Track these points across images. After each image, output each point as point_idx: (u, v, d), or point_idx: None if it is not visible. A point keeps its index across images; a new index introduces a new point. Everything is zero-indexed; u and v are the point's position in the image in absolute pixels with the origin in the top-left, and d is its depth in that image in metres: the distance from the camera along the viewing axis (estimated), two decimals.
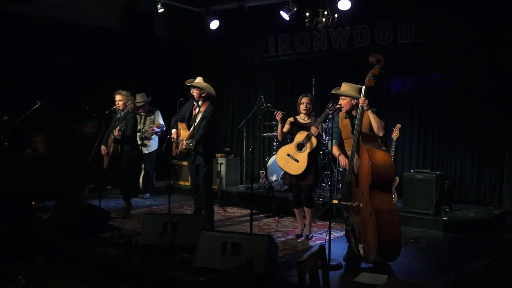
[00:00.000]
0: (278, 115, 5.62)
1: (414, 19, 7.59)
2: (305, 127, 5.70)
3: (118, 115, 6.67)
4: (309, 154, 5.58)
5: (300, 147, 5.64)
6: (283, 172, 6.09)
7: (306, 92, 8.51)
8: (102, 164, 6.76)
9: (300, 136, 5.67)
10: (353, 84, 5.05)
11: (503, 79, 7.02)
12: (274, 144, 8.53)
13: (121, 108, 6.62)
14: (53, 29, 8.08)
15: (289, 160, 5.66)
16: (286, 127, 5.79)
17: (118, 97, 6.62)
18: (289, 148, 5.72)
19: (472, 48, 7.18)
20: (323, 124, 6.34)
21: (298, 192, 5.81)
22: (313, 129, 5.52)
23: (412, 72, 7.94)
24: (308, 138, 5.59)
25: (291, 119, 5.84)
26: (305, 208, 5.77)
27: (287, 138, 5.97)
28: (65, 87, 8.11)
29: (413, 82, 7.96)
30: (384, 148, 4.71)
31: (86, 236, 5.45)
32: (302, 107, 5.75)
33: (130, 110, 6.65)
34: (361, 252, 4.68)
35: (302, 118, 5.82)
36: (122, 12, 9.22)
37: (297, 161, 5.61)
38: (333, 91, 5.15)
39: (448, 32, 7.40)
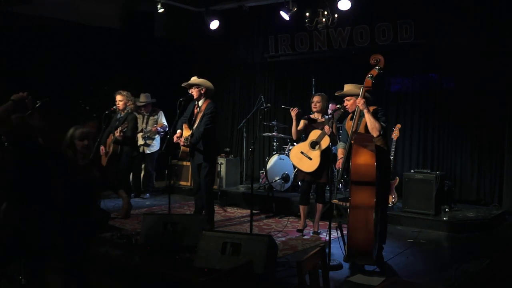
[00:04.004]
0: (294, 111, 5.82)
1: (414, 19, 7.59)
2: (319, 126, 5.84)
3: (118, 115, 6.67)
4: (322, 152, 5.70)
5: (313, 145, 5.80)
6: (296, 169, 6.35)
7: (307, 92, 8.63)
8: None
9: (313, 135, 5.84)
10: (354, 84, 5.08)
11: (503, 79, 7.02)
12: (274, 144, 8.54)
13: (121, 108, 6.62)
14: (53, 29, 8.07)
15: (303, 157, 5.83)
16: (301, 125, 5.94)
17: (118, 97, 6.61)
18: (303, 146, 5.89)
19: (472, 48, 7.18)
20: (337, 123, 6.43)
21: (307, 190, 6.00)
22: (327, 128, 5.63)
23: (412, 72, 7.94)
24: (321, 136, 5.71)
25: (305, 117, 5.98)
26: (317, 204, 5.97)
27: (301, 136, 6.09)
28: (65, 87, 8.10)
29: (413, 82, 7.97)
30: (371, 150, 4.53)
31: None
32: (312, 105, 5.93)
33: (130, 110, 6.65)
34: (345, 249, 4.69)
35: (316, 117, 5.93)
36: (122, 12, 9.22)
37: (310, 158, 5.77)
38: (337, 93, 5.15)
39: (448, 32, 7.39)
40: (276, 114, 9.03)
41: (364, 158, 4.48)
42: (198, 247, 4.52)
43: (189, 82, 6.07)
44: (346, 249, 4.66)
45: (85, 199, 3.76)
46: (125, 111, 6.62)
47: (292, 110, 5.85)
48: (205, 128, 5.86)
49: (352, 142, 4.61)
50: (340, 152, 5.11)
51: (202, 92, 6.02)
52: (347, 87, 5.09)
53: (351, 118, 5.03)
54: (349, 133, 5.04)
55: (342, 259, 4.90)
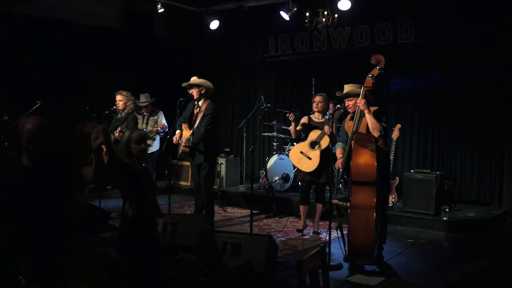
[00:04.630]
0: (291, 117, 5.83)
1: (414, 19, 7.59)
2: (318, 126, 5.85)
3: (119, 116, 6.66)
4: (322, 152, 5.71)
5: (313, 145, 5.81)
6: (296, 169, 6.39)
7: (307, 92, 8.63)
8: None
9: (313, 135, 5.86)
10: (355, 84, 5.06)
11: (503, 79, 7.02)
12: (274, 144, 8.54)
13: (121, 108, 6.61)
14: (53, 29, 8.07)
15: (302, 157, 5.84)
16: (300, 126, 5.94)
17: (118, 97, 6.61)
18: (303, 145, 5.91)
19: (472, 48, 7.17)
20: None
21: (307, 190, 6.01)
22: (326, 128, 5.63)
23: (412, 72, 7.94)
24: (321, 136, 5.71)
25: (305, 117, 6.00)
26: (317, 204, 5.98)
27: (301, 136, 6.09)
28: (65, 87, 8.10)
29: (413, 82, 7.97)
30: (372, 150, 4.53)
31: (86, 236, 5.44)
32: (314, 105, 5.92)
33: (130, 110, 6.63)
34: (346, 249, 4.69)
35: (316, 117, 5.96)
36: (122, 12, 9.22)
37: (310, 158, 5.78)
38: (338, 94, 5.14)
39: (448, 32, 7.40)
40: (276, 114, 9.01)
41: (365, 158, 4.48)
42: (198, 247, 4.52)
43: (190, 82, 6.07)
44: (346, 249, 4.66)
45: (151, 206, 3.56)
46: (125, 111, 6.61)
47: (289, 115, 5.86)
48: (206, 129, 5.87)
49: (353, 142, 4.61)
50: (339, 152, 5.09)
51: (202, 92, 6.02)
52: (348, 88, 5.06)
53: (351, 119, 5.01)
54: (349, 134, 5.04)
55: (342, 259, 4.91)
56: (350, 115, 5.08)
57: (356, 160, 4.46)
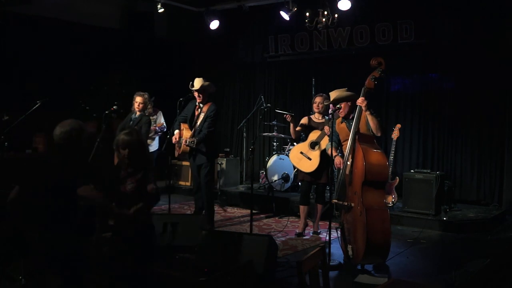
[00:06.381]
0: (288, 118, 5.84)
1: (414, 19, 7.59)
2: (318, 127, 5.86)
3: (133, 116, 6.56)
4: (322, 153, 5.70)
5: (313, 145, 5.82)
6: (296, 169, 6.41)
7: (307, 92, 8.63)
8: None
9: (313, 135, 5.86)
10: (339, 89, 5.07)
11: (503, 79, 7.02)
12: (274, 144, 8.54)
13: (139, 109, 6.46)
14: (53, 29, 8.07)
15: (302, 158, 5.85)
16: (299, 127, 5.93)
17: (138, 99, 6.42)
18: (303, 146, 5.92)
19: (472, 48, 7.18)
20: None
21: (307, 190, 5.99)
22: (326, 129, 5.64)
23: (412, 72, 7.94)
24: (321, 137, 5.71)
25: (305, 118, 6.00)
26: (317, 204, 5.97)
27: (301, 136, 6.08)
28: (65, 87, 8.10)
29: (413, 82, 7.96)
30: (379, 149, 4.67)
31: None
32: (315, 106, 5.91)
33: (146, 113, 6.56)
34: (350, 253, 4.68)
35: (316, 118, 5.96)
36: (122, 12, 9.22)
37: (310, 159, 5.78)
38: (325, 103, 5.13)
39: (448, 32, 7.40)
40: (276, 114, 9.01)
41: (377, 158, 4.55)
42: (198, 247, 4.52)
43: (199, 87, 5.99)
44: (350, 251, 4.65)
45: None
46: (140, 113, 6.49)
47: (286, 116, 5.87)
48: (208, 131, 5.90)
49: (357, 142, 4.61)
50: (333, 151, 5.08)
51: (206, 96, 6.05)
52: (334, 93, 5.05)
53: (342, 121, 5.04)
54: (341, 135, 5.05)
55: (342, 259, 4.91)
56: (340, 118, 5.08)
57: (369, 160, 4.48)
